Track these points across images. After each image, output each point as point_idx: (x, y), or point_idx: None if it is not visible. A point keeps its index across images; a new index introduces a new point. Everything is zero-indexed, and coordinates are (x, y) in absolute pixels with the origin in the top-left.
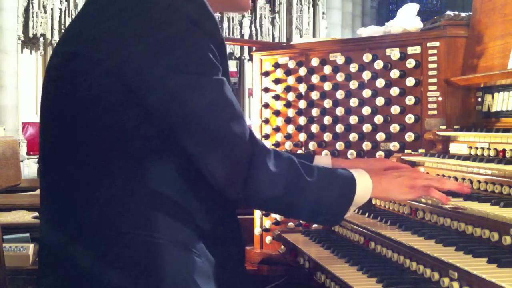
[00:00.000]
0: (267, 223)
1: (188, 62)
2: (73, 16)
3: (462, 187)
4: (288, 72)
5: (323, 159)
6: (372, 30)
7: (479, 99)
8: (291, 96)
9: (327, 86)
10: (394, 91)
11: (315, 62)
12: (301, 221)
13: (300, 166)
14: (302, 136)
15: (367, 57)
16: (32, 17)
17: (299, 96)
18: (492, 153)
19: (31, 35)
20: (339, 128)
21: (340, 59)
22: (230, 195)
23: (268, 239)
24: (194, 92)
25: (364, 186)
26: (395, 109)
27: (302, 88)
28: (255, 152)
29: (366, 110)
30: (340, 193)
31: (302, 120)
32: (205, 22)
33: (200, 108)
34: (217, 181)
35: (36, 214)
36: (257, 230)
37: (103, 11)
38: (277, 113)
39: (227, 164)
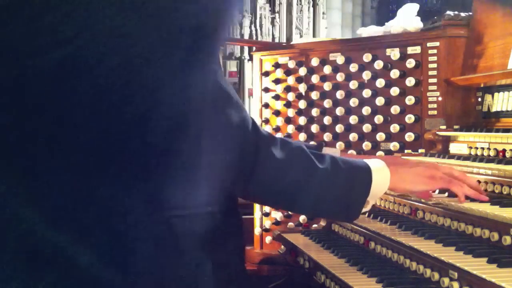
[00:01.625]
0: (267, 223)
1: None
2: None
3: (479, 195)
4: (288, 72)
5: (331, 151)
6: (372, 30)
7: (479, 99)
8: (291, 96)
9: (327, 86)
10: (394, 91)
11: (315, 62)
12: (301, 221)
13: (310, 153)
14: (302, 136)
15: (367, 57)
16: None
17: (299, 96)
18: (492, 153)
19: None
20: (339, 128)
21: (340, 59)
22: (236, 191)
23: (268, 239)
24: (186, 75)
25: (382, 176)
26: (395, 109)
27: (302, 88)
28: (259, 141)
29: (366, 110)
30: (355, 181)
31: (302, 120)
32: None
33: (195, 98)
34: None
35: None
36: (257, 230)
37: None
38: (277, 113)
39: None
